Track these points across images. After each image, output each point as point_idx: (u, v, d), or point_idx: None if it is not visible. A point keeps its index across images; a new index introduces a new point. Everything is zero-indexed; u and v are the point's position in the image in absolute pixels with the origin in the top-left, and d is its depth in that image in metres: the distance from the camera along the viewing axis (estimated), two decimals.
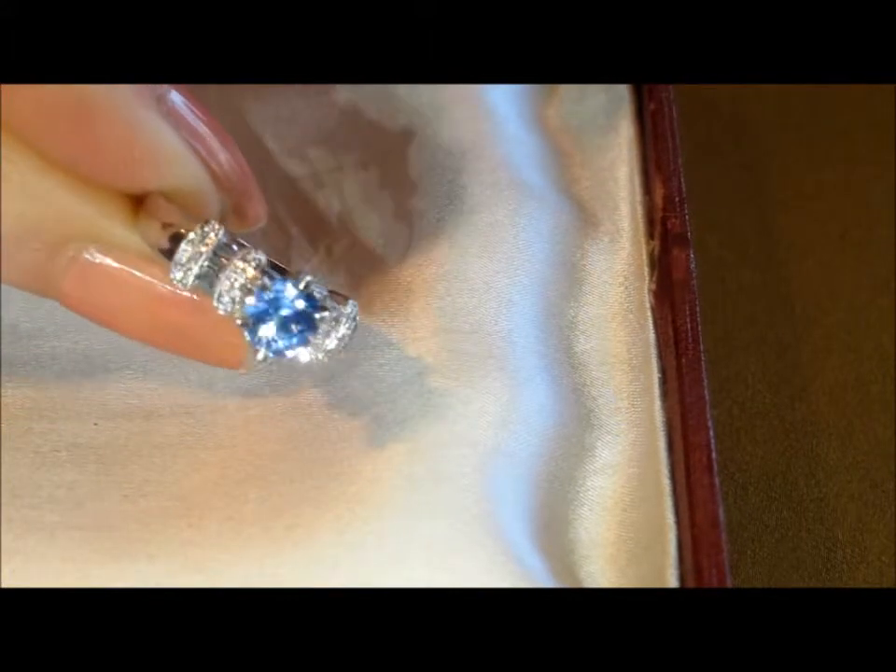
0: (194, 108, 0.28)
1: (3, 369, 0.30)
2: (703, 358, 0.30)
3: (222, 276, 0.27)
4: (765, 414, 0.36)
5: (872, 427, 0.36)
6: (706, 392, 0.29)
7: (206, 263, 0.27)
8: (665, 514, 0.29)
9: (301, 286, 0.27)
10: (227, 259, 0.27)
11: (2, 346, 0.31)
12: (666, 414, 0.30)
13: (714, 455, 0.28)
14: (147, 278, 0.28)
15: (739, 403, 0.37)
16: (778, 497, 0.35)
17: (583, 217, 0.34)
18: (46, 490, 0.28)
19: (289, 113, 0.36)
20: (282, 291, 0.27)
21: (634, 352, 0.32)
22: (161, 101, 0.27)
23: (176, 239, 0.27)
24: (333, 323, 0.27)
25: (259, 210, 0.29)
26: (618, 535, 0.29)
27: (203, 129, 0.28)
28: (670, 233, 0.32)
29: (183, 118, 0.27)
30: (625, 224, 0.34)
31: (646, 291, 0.33)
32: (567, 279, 0.33)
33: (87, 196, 0.27)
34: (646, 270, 0.33)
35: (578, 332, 0.32)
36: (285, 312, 0.27)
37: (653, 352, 0.31)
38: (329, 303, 0.27)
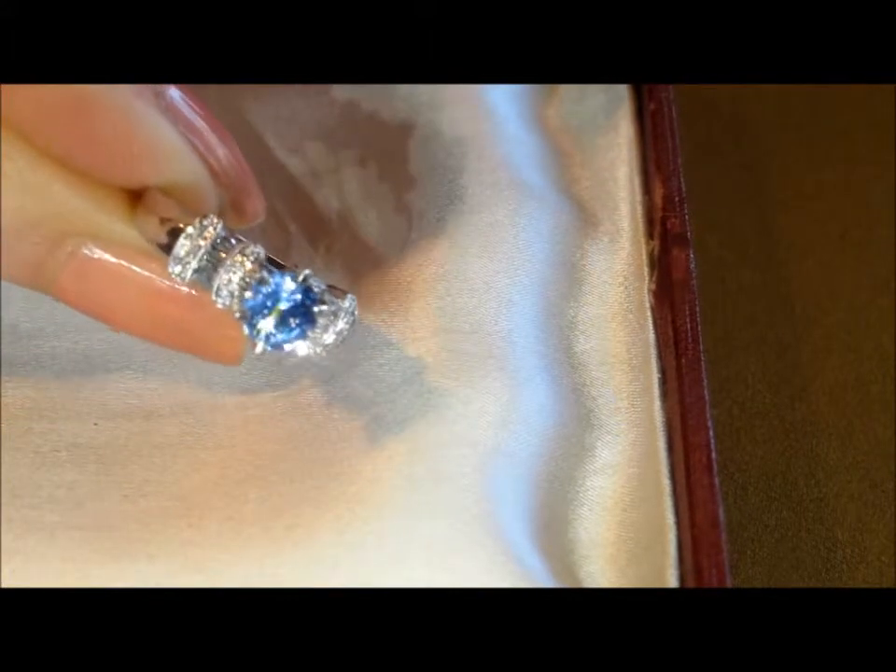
0: (192, 104, 0.28)
1: (3, 369, 0.30)
2: (703, 358, 0.30)
3: (221, 270, 0.27)
4: (765, 414, 0.36)
5: (872, 427, 0.36)
6: (705, 392, 0.29)
7: (205, 257, 0.27)
8: (664, 514, 0.29)
9: (300, 279, 0.27)
10: (225, 254, 0.27)
11: (2, 346, 0.31)
12: (666, 414, 0.30)
13: (714, 455, 0.28)
14: (145, 273, 0.28)
15: (739, 403, 0.37)
16: (778, 497, 0.35)
17: (583, 217, 0.34)
18: (46, 490, 0.28)
19: (289, 112, 0.36)
20: (280, 285, 0.27)
21: (633, 352, 0.32)
22: (159, 96, 0.27)
23: (175, 234, 0.27)
24: (332, 317, 0.27)
25: (257, 206, 0.29)
26: (618, 535, 0.29)
27: (200, 124, 0.28)
28: (670, 233, 0.32)
29: (181, 113, 0.27)
30: (625, 224, 0.34)
31: (646, 291, 0.33)
32: (567, 279, 0.33)
33: (85, 191, 0.27)
34: (646, 270, 0.33)
35: (578, 332, 0.32)
36: (283, 305, 0.27)
37: (653, 352, 0.31)
38: (327, 297, 0.27)
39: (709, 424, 0.28)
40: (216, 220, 0.27)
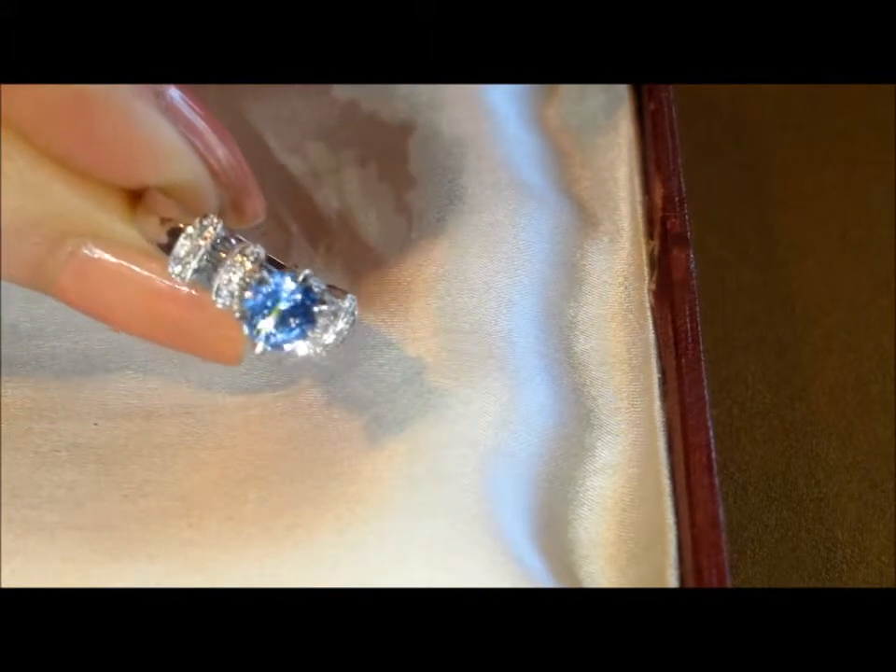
0: (192, 104, 0.28)
1: (3, 369, 0.30)
2: (703, 358, 0.30)
3: (221, 270, 0.27)
4: (765, 414, 0.36)
5: (872, 427, 0.36)
6: (705, 392, 0.29)
7: (205, 257, 0.27)
8: (664, 514, 0.29)
9: (300, 279, 0.27)
10: (225, 254, 0.27)
11: (2, 346, 0.31)
12: (666, 414, 0.30)
13: (714, 455, 0.28)
14: (145, 273, 0.28)
15: (739, 403, 0.37)
16: (778, 497, 0.35)
17: (583, 217, 0.34)
18: (46, 490, 0.28)
19: (289, 112, 0.36)
20: (280, 285, 0.27)
21: (633, 352, 0.32)
22: (159, 96, 0.27)
23: (175, 234, 0.27)
24: (331, 317, 0.27)
25: (257, 206, 0.29)
26: (618, 535, 0.29)
27: (201, 124, 0.28)
28: (670, 233, 0.32)
29: (181, 113, 0.27)
30: (625, 224, 0.34)
31: (646, 291, 0.33)
32: (567, 279, 0.33)
33: (85, 191, 0.27)
34: (646, 270, 0.33)
35: (578, 332, 0.32)
36: (283, 305, 0.27)
37: (653, 352, 0.32)
38: (327, 297, 0.27)
39: (709, 424, 0.28)
40: (216, 220, 0.27)
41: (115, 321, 0.28)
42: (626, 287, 0.33)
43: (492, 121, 0.35)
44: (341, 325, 0.27)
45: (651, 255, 0.33)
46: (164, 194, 0.27)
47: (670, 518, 0.29)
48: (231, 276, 0.27)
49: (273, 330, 0.27)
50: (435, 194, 0.33)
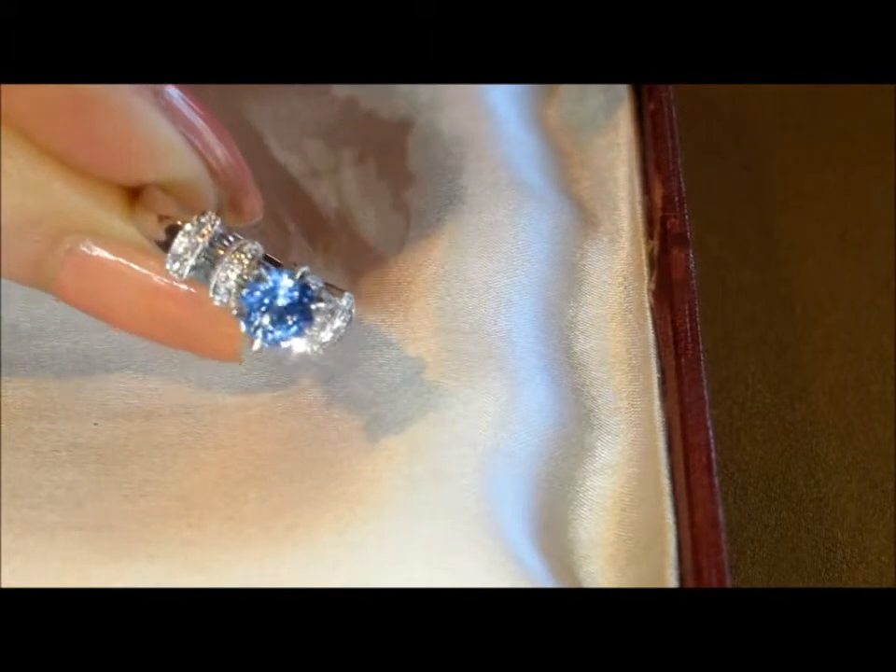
0: (191, 103, 0.28)
1: (3, 369, 0.30)
2: (702, 358, 0.30)
3: (218, 267, 0.27)
4: (765, 414, 0.36)
5: (872, 427, 0.36)
6: (705, 392, 0.29)
7: (202, 254, 0.27)
8: (664, 514, 0.29)
9: (297, 276, 0.27)
10: (223, 251, 0.27)
11: (2, 346, 0.31)
12: (666, 414, 0.30)
13: (714, 454, 0.28)
14: (144, 270, 0.28)
15: (739, 403, 0.37)
16: (778, 497, 0.35)
17: (583, 217, 0.34)
18: (46, 490, 0.28)
19: (288, 112, 0.36)
20: (278, 282, 0.27)
21: (633, 352, 0.32)
22: (158, 95, 0.27)
23: (173, 231, 0.27)
24: (329, 315, 0.27)
25: (255, 205, 0.29)
26: (617, 535, 0.29)
27: (199, 123, 0.28)
28: (670, 233, 0.32)
29: (180, 111, 0.27)
30: (625, 224, 0.34)
31: (645, 291, 0.33)
32: (567, 279, 0.33)
33: (84, 188, 0.27)
34: (645, 270, 0.33)
35: (577, 332, 0.32)
36: (281, 302, 0.27)
37: (653, 352, 0.31)
38: (324, 295, 0.27)
39: (709, 424, 0.28)
40: (214, 217, 0.27)
41: (114, 319, 0.28)
42: (626, 287, 0.33)
43: (492, 121, 0.35)
44: (338, 323, 0.27)
45: (650, 255, 0.33)
46: (163, 192, 0.27)
47: (670, 518, 0.29)
48: (229, 273, 0.27)
49: (271, 327, 0.27)
50: (435, 194, 0.33)
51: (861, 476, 0.35)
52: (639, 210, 0.34)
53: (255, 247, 0.27)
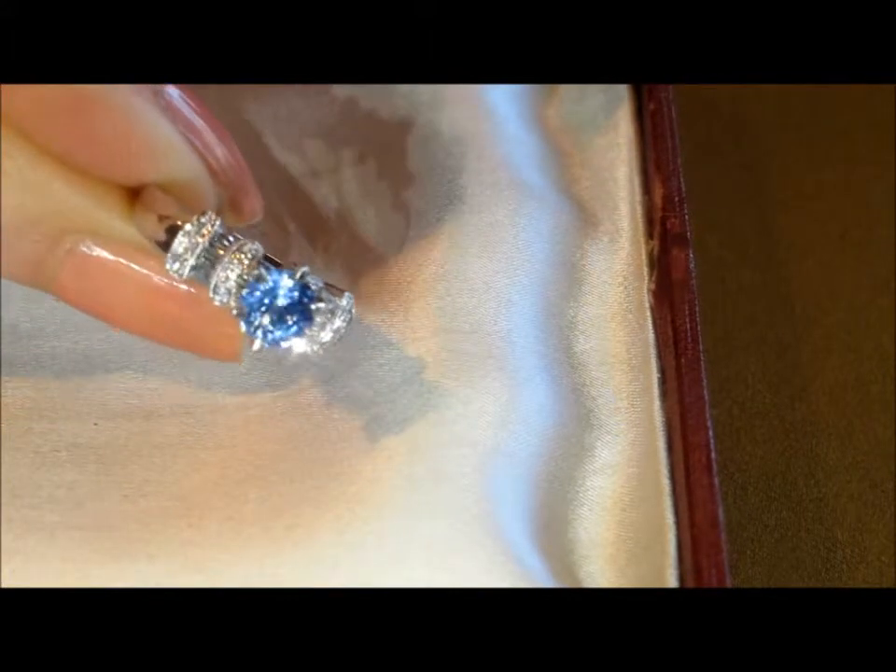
0: (191, 102, 0.28)
1: (3, 369, 0.30)
2: (702, 358, 0.30)
3: (218, 267, 0.27)
4: (765, 414, 0.36)
5: (872, 427, 0.36)
6: (705, 392, 0.29)
7: (203, 254, 0.27)
8: (664, 514, 0.29)
9: (297, 276, 0.27)
10: (223, 251, 0.27)
11: (2, 346, 0.31)
12: (666, 414, 0.30)
13: (714, 454, 0.28)
14: (144, 270, 0.28)
15: (739, 403, 0.37)
16: (778, 497, 0.35)
17: (583, 217, 0.34)
18: (46, 490, 0.28)
19: (288, 112, 0.36)
20: (278, 282, 0.27)
21: (633, 352, 0.32)
22: (158, 95, 0.27)
23: (173, 231, 0.27)
24: (329, 315, 0.27)
25: (255, 205, 0.29)
26: (617, 535, 0.29)
27: (199, 123, 0.28)
28: (670, 233, 0.32)
29: (180, 111, 0.27)
30: (625, 224, 0.34)
31: (645, 291, 0.33)
32: (567, 279, 0.33)
33: (84, 188, 0.27)
34: (645, 270, 0.33)
35: (577, 332, 0.32)
36: (281, 302, 0.27)
37: (653, 352, 0.32)
38: (324, 295, 0.27)
39: (709, 424, 0.28)
40: (214, 217, 0.27)
41: (114, 319, 0.28)
42: (626, 287, 0.33)
43: (492, 121, 0.35)
44: (338, 323, 0.27)
45: (650, 255, 0.33)
46: (163, 192, 0.27)
47: (670, 518, 0.29)
48: (229, 273, 0.27)
49: (271, 327, 0.27)
50: (434, 194, 0.33)
51: (861, 476, 0.35)
52: (639, 210, 0.34)
53: (255, 247, 0.27)
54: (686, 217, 0.32)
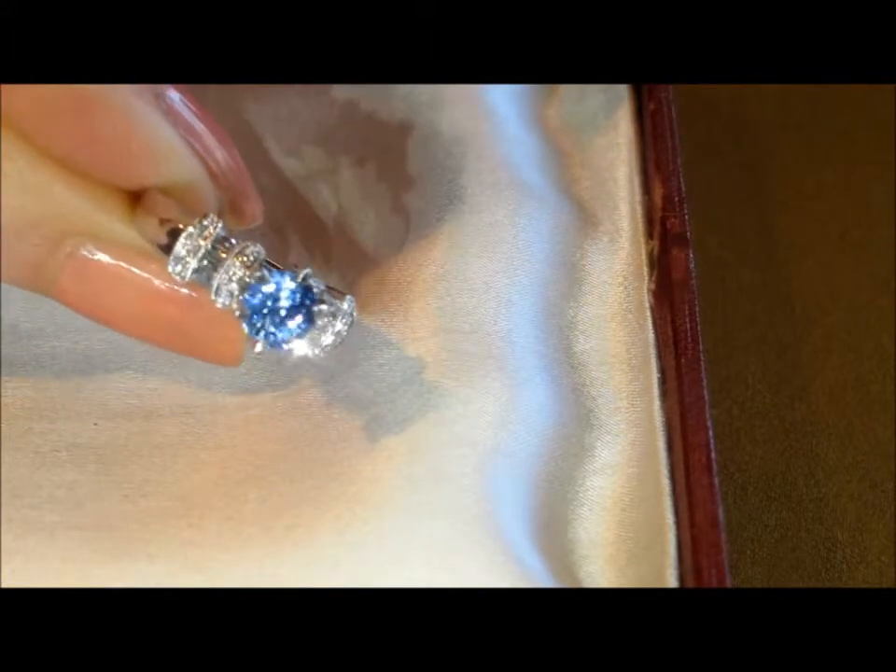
0: (192, 106, 0.28)
1: (3, 369, 0.30)
2: (702, 358, 0.30)
3: (220, 270, 0.27)
4: (765, 414, 0.36)
5: (872, 427, 0.36)
6: (705, 392, 0.29)
7: (205, 257, 0.27)
8: (664, 514, 0.29)
9: (300, 279, 0.27)
10: (225, 253, 0.27)
11: (2, 346, 0.31)
12: (666, 414, 0.30)
13: (713, 454, 0.28)
14: (145, 274, 0.28)
15: (739, 403, 0.37)
16: (778, 497, 0.35)
17: (583, 217, 0.34)
18: (46, 490, 0.28)
19: (288, 113, 0.36)
20: (280, 284, 0.27)
21: (633, 352, 0.32)
22: (159, 98, 0.27)
23: (175, 234, 0.27)
24: (330, 318, 0.27)
25: (255, 208, 0.29)
26: (617, 535, 0.29)
27: (200, 126, 0.28)
28: (670, 233, 0.32)
29: (181, 115, 0.27)
30: (625, 224, 0.34)
31: (645, 291, 0.33)
32: (567, 279, 0.33)
33: (85, 191, 0.27)
34: (645, 270, 0.33)
35: (577, 332, 0.32)
36: (283, 304, 0.27)
37: (653, 352, 0.32)
38: (326, 298, 0.27)
39: (709, 424, 0.28)
40: (215, 220, 0.27)
41: (114, 323, 0.28)
42: (626, 287, 0.33)
43: (492, 121, 0.35)
44: (339, 326, 0.27)
45: (650, 255, 0.33)
46: (164, 195, 0.27)
47: (670, 518, 0.29)
48: (231, 276, 0.27)
49: (273, 329, 0.27)
50: (434, 194, 0.33)
51: (861, 476, 0.35)
52: (639, 210, 0.34)
53: (257, 249, 0.27)
54: (686, 217, 0.32)
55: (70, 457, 0.29)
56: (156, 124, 0.27)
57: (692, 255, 0.31)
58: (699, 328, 0.30)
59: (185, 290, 0.28)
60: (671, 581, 0.28)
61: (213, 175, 0.28)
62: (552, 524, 0.29)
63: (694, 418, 0.28)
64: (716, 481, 0.28)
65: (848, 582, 0.33)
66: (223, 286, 0.27)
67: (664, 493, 0.29)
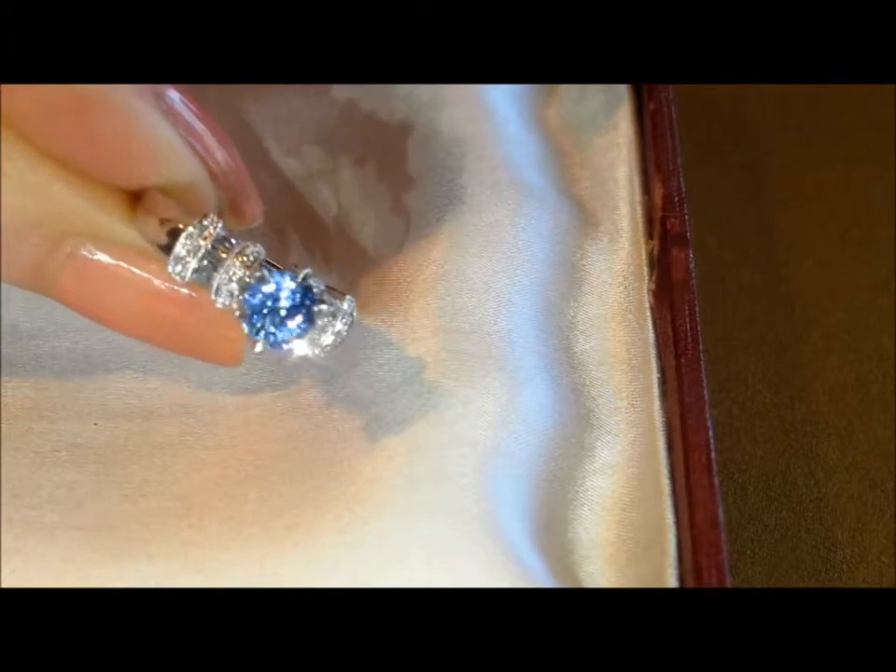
0: (192, 106, 0.28)
1: (3, 369, 0.30)
2: (702, 358, 0.30)
3: (220, 270, 0.27)
4: (765, 414, 0.36)
5: (872, 427, 0.36)
6: (705, 392, 0.29)
7: (205, 256, 0.27)
8: (664, 514, 0.29)
9: (300, 279, 0.27)
10: (225, 253, 0.27)
11: (2, 346, 0.31)
12: (666, 414, 0.30)
13: (713, 454, 0.28)
14: (144, 274, 0.28)
15: (739, 403, 0.37)
16: (778, 497, 0.35)
17: (583, 217, 0.34)
18: (46, 490, 0.28)
19: (288, 113, 0.36)
20: (280, 284, 0.27)
21: (633, 352, 0.32)
22: (159, 98, 0.27)
23: (174, 234, 0.27)
24: (330, 318, 0.27)
25: (255, 208, 0.29)
26: (617, 535, 0.29)
27: (200, 126, 0.28)
28: (670, 233, 0.32)
29: (181, 115, 0.27)
30: (625, 224, 0.34)
31: (645, 291, 0.33)
32: (567, 279, 0.33)
33: (85, 191, 0.27)
34: (645, 270, 0.33)
35: (577, 332, 0.32)
36: (283, 304, 0.27)
37: (653, 352, 0.32)
38: (326, 298, 0.27)
39: (709, 424, 0.28)
40: (216, 220, 0.27)
41: (114, 323, 0.28)
42: (626, 287, 0.33)
43: (492, 121, 0.35)
44: (339, 326, 0.27)
45: (650, 255, 0.33)
46: (164, 195, 0.27)
47: (670, 518, 0.29)
48: (231, 276, 0.27)
49: (273, 329, 0.27)
50: (434, 194, 0.33)
51: (861, 476, 0.35)
52: (639, 210, 0.34)
53: (257, 249, 0.27)
54: (686, 217, 0.32)
55: (70, 457, 0.29)
56: (156, 124, 0.27)
57: (692, 255, 0.31)
58: (699, 328, 0.30)
59: (185, 290, 0.28)
60: (671, 581, 0.28)
61: (213, 175, 0.28)
62: (552, 524, 0.29)
63: (694, 418, 0.28)
64: (716, 481, 0.28)
65: (848, 582, 0.33)
66: (223, 286, 0.27)
67: (664, 493, 0.29)
